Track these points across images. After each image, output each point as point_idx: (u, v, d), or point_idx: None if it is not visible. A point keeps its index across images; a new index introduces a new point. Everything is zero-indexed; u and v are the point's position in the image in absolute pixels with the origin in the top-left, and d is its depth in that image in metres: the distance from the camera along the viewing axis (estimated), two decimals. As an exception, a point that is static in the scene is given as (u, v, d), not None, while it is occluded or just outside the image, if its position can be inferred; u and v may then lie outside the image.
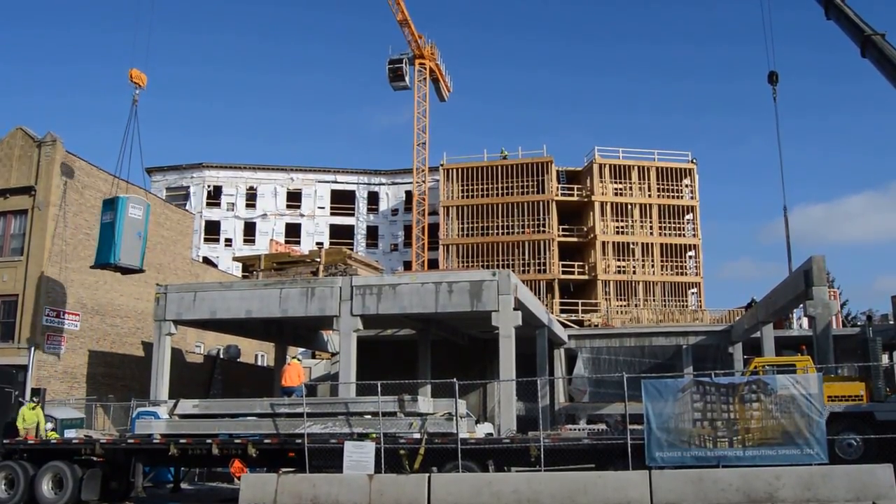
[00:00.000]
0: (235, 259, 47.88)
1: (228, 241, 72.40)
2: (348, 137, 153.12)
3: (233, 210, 73.21)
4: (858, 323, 51.92)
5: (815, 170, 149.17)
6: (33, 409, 25.62)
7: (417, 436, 19.76)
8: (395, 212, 75.08)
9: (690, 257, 63.98)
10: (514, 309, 27.29)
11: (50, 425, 25.59)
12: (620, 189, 63.62)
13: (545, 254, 61.74)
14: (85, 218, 34.35)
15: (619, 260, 61.69)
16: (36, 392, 28.95)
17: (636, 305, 58.68)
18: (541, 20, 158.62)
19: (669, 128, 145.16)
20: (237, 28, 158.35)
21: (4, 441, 23.25)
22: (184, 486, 26.43)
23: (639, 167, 64.14)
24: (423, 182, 69.09)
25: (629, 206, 63.02)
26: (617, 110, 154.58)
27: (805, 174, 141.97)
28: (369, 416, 20.56)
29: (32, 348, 31.32)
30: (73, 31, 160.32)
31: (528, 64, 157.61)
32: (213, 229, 72.54)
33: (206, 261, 61.71)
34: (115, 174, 32.51)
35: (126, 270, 31.31)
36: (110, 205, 30.14)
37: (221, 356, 43.45)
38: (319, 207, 74.69)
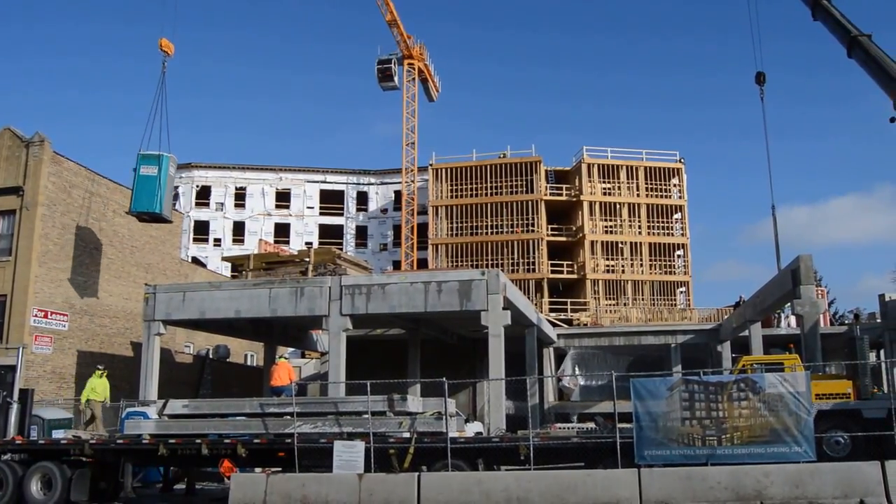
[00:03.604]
0: (224, 259, 47.79)
1: (217, 241, 72.30)
2: (346, 140, 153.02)
3: (222, 210, 73.10)
4: (846, 322, 52.14)
5: (800, 172, 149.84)
6: (101, 376, 25.46)
7: (407, 435, 19.77)
8: (384, 211, 75.10)
9: (679, 256, 64.19)
10: (504, 308, 27.33)
11: None
12: (609, 189, 63.79)
13: (534, 253, 61.84)
14: (73, 218, 34.27)
15: (607, 259, 61.85)
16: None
17: (625, 304, 58.82)
18: (532, 20, 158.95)
19: (658, 123, 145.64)
20: (234, 25, 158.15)
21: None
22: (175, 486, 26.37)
23: (627, 167, 64.32)
24: (413, 182, 69.14)
25: (618, 206, 63.19)
26: (607, 106, 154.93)
27: (791, 176, 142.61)
28: (358, 416, 20.57)
29: (21, 349, 31.21)
30: (60, 26, 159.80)
31: (518, 61, 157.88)
32: (201, 229, 72.41)
33: (195, 261, 61.54)
34: (142, 144, 33.84)
35: (157, 219, 34.68)
36: (154, 159, 33.07)
37: (211, 356, 43.37)
38: (308, 207, 74.64)
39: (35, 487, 21.51)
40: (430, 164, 66.11)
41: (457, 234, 63.98)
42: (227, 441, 20.67)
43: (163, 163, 33.08)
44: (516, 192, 63.71)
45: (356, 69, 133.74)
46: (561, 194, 64.55)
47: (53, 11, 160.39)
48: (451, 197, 64.80)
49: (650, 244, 62.65)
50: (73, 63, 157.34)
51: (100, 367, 26.90)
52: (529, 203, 63.06)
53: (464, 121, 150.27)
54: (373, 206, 75.41)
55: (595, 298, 59.75)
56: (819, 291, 32.74)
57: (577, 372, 43.40)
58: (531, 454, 18.77)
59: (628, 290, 60.72)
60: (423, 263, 65.41)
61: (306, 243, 68.82)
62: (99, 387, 25.61)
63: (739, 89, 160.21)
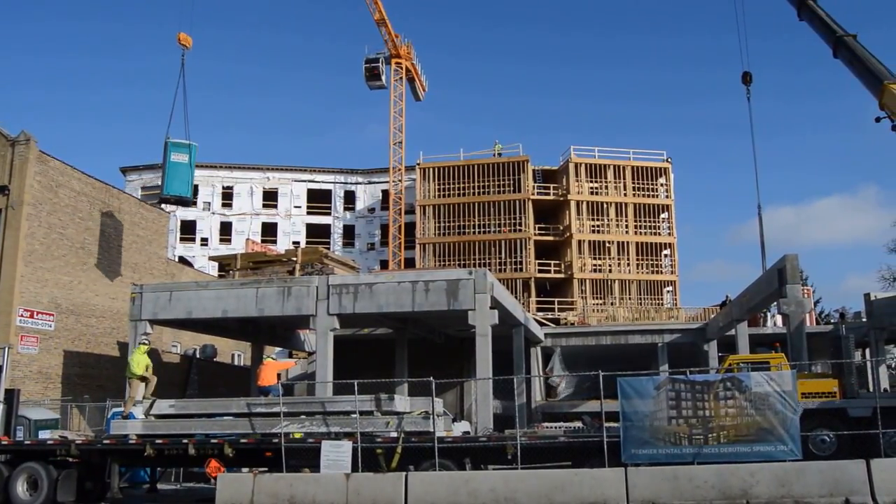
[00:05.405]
0: (211, 259, 47.67)
1: (204, 241, 72.03)
2: (336, 140, 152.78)
3: (209, 209, 72.84)
4: (831, 321, 52.40)
5: (786, 171, 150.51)
6: (142, 353, 24.83)
7: (394, 434, 19.78)
8: (371, 211, 75.01)
9: (666, 255, 64.34)
10: (491, 308, 27.32)
11: None
12: (596, 188, 63.89)
13: (521, 252, 61.91)
14: (59, 217, 34.09)
15: (595, 258, 61.96)
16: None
17: (612, 304, 58.93)
18: (520, 17, 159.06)
19: (646, 120, 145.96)
20: (222, 23, 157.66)
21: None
22: (160, 486, 26.30)
23: (614, 166, 64.43)
24: (400, 181, 69.09)
25: (605, 205, 63.29)
26: (594, 103, 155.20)
27: (777, 176, 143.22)
28: (346, 416, 20.55)
29: (6, 349, 30.99)
30: (46, 24, 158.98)
31: (505, 59, 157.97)
32: (188, 229, 72.13)
33: (182, 260, 61.37)
34: (168, 134, 36.63)
35: (181, 202, 39.53)
36: (184, 147, 36.62)
37: (198, 356, 43.21)
38: (296, 207, 74.47)
39: (21, 488, 21.40)
40: (418, 164, 66.11)
41: (444, 234, 63.97)
42: (214, 441, 20.61)
43: (192, 151, 36.73)
44: (503, 192, 63.75)
45: (347, 68, 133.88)
46: (548, 194, 64.64)
47: (38, 9, 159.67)
48: (439, 196, 64.81)
49: (637, 244, 62.79)
50: (60, 61, 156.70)
51: (146, 340, 26.43)
52: (517, 202, 63.13)
53: (451, 119, 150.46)
54: (360, 205, 75.31)
55: (582, 298, 59.87)
56: (805, 291, 32.79)
57: (564, 371, 43.43)
58: (518, 453, 18.79)
59: (615, 290, 60.84)
60: (410, 263, 65.39)
61: (293, 243, 68.67)
62: (140, 362, 24.44)
63: (727, 85, 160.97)
